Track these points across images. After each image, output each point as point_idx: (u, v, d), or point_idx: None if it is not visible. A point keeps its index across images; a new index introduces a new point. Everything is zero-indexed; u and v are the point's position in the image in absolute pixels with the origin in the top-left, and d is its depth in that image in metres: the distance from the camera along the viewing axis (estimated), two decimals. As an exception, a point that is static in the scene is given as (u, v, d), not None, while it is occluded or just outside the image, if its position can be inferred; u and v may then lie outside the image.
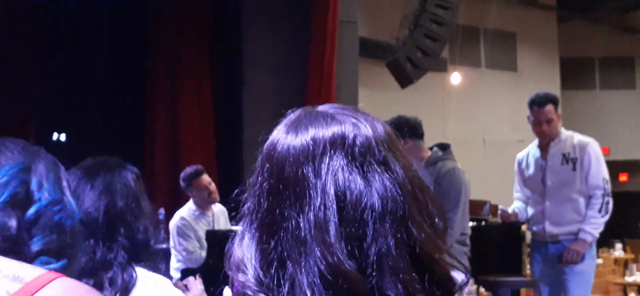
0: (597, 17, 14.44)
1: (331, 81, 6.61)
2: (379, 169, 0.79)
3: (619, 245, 10.51)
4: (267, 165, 0.83)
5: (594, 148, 3.87)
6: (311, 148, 0.80)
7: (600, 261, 8.37)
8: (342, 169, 0.78)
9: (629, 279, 7.34)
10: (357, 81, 7.28)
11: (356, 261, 0.74)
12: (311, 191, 0.77)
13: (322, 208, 0.76)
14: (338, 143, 0.79)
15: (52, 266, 0.82)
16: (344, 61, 6.92)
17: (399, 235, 0.76)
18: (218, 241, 4.22)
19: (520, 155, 4.16)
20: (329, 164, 0.78)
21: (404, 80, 7.16)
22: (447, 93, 12.50)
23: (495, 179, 12.12)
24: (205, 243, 4.43)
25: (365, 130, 0.81)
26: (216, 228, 4.55)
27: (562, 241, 3.85)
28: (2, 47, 6.38)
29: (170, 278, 4.57)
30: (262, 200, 0.81)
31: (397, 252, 0.75)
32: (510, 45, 13.45)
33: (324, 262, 0.73)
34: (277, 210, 0.79)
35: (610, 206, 3.78)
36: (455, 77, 12.47)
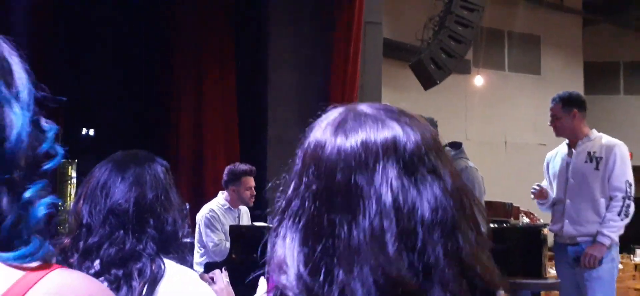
0: (623, 22, 14.27)
1: (355, 81, 6.66)
2: (429, 177, 0.77)
3: (639, 251, 10.40)
4: (313, 167, 0.80)
5: (621, 149, 3.82)
6: (363, 154, 0.78)
7: (620, 266, 8.30)
8: (396, 177, 0.76)
9: (650, 286, 7.27)
10: (380, 82, 7.31)
11: (413, 272, 0.74)
12: (366, 200, 0.76)
13: (378, 217, 0.75)
14: (390, 150, 0.78)
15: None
16: (368, 62, 6.96)
17: (448, 245, 0.76)
18: (241, 236, 4.29)
19: (550, 154, 4.14)
20: (382, 172, 0.77)
21: (428, 81, 7.18)
22: (470, 95, 12.47)
23: (516, 181, 12.06)
24: (229, 238, 4.51)
25: (415, 135, 0.80)
26: (240, 222, 4.65)
27: (580, 243, 3.81)
28: (30, 42, 6.51)
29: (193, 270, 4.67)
30: (307, 202, 0.79)
31: (445, 262, 0.75)
32: (535, 49, 13.37)
33: (381, 272, 0.73)
34: (326, 215, 0.77)
35: (631, 209, 3.73)
36: (479, 79, 12.43)
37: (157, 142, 7.40)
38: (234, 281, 4.11)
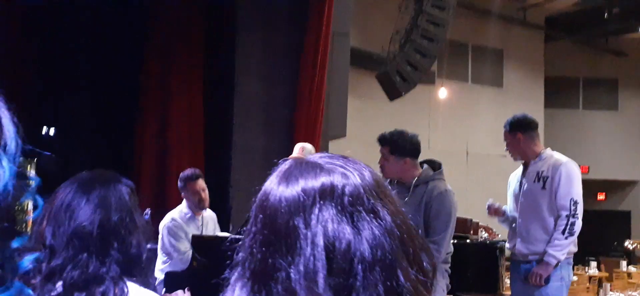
0: (583, 39, 14.67)
1: (322, 91, 6.70)
2: (368, 218, 0.80)
3: (593, 263, 10.67)
4: (260, 216, 0.84)
5: (568, 168, 3.84)
6: (302, 198, 0.81)
7: (575, 278, 8.51)
8: (332, 219, 0.79)
9: (602, 299, 7.48)
10: (347, 92, 7.38)
11: None
12: (301, 242, 0.79)
13: (312, 258, 0.78)
14: (327, 193, 0.81)
15: None
16: (335, 72, 7.02)
17: (388, 283, 0.78)
18: (202, 245, 4.28)
19: (513, 174, 4.21)
20: (318, 214, 0.80)
21: (393, 92, 7.28)
22: (433, 105, 12.66)
23: (477, 190, 12.30)
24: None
25: (354, 179, 0.82)
26: (204, 232, 4.62)
27: (531, 261, 3.89)
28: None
29: (154, 278, 4.63)
30: (254, 250, 0.82)
31: None
32: (497, 62, 13.65)
33: None
34: (269, 260, 0.80)
35: (576, 227, 3.77)
36: (443, 91, 12.62)
37: (122, 146, 7.33)
38: (195, 289, 4.11)
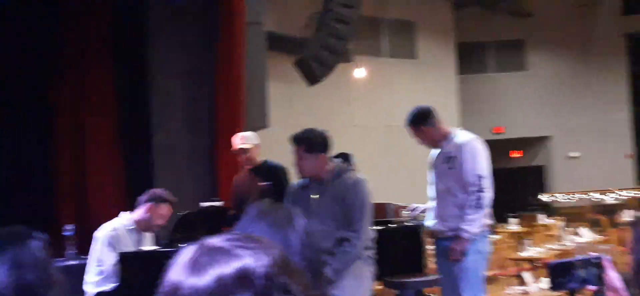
0: (489, 3, 15.20)
1: (240, 84, 6.67)
2: None
3: (513, 220, 11.15)
4: None
5: (471, 145, 4.03)
6: (216, 290, 0.79)
7: (497, 236, 8.90)
8: None
9: (523, 254, 7.85)
10: (265, 80, 7.38)
11: None
12: None
13: None
14: (242, 280, 0.80)
15: None
16: (252, 62, 6.99)
17: None
18: (131, 262, 4.19)
19: (430, 155, 4.37)
20: None
21: (312, 78, 7.34)
22: (353, 82, 12.85)
23: (398, 162, 12.67)
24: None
25: (264, 260, 0.82)
26: (142, 247, 4.52)
27: (449, 237, 4.07)
28: None
29: (83, 292, 4.51)
30: None
31: None
32: (410, 34, 13.96)
33: None
34: None
35: (485, 200, 3.95)
36: (360, 67, 12.82)
37: (34, 157, 7.07)
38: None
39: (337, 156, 3.84)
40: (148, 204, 4.35)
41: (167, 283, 0.83)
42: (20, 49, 6.94)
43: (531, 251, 7.95)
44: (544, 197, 14.81)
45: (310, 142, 3.69)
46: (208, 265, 0.81)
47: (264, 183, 4.83)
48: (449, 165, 4.06)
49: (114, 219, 4.47)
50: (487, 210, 4.02)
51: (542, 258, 7.63)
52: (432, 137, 4.15)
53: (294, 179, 4.20)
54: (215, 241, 0.85)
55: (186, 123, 6.81)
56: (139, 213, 4.41)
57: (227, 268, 0.80)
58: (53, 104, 7.11)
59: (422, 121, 4.13)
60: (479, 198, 3.94)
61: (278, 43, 9.97)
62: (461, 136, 4.13)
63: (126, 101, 7.20)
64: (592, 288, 1.78)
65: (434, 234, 4.24)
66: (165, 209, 4.38)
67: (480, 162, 4.01)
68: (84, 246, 4.78)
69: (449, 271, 4.11)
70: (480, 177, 3.96)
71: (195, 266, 0.82)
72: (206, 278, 0.80)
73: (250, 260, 0.81)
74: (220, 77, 6.74)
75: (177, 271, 0.83)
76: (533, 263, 7.74)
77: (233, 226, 1.87)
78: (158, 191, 4.48)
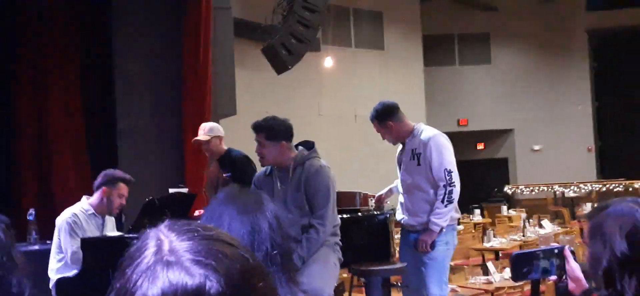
0: (456, -4, 15.34)
1: (207, 68, 6.60)
2: None
3: (477, 211, 11.35)
4: None
5: (436, 141, 4.07)
6: None
7: (461, 227, 9.02)
8: None
9: (486, 245, 7.98)
10: (233, 66, 7.32)
11: None
12: None
13: None
14: None
15: None
16: (219, 47, 6.93)
17: None
18: (94, 248, 4.12)
19: (397, 151, 4.41)
20: None
21: (280, 66, 7.30)
22: (321, 71, 12.84)
23: (366, 151, 12.72)
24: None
25: (219, 281, 0.77)
26: (104, 232, 4.45)
27: (419, 231, 4.13)
28: None
29: (48, 279, 4.43)
30: None
31: None
32: (378, 25, 14.00)
33: None
34: None
35: (454, 195, 4.02)
36: (328, 57, 12.82)
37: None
38: (87, 293, 3.98)
39: (299, 144, 3.82)
40: (103, 188, 4.31)
41: (118, 285, 0.80)
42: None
43: (494, 242, 8.07)
44: (507, 189, 15.05)
45: (271, 130, 3.68)
46: (159, 279, 0.77)
47: (226, 173, 4.80)
48: (416, 161, 4.10)
49: (74, 205, 4.41)
50: (455, 203, 4.09)
51: (505, 248, 7.78)
52: (398, 132, 4.18)
53: (259, 168, 4.18)
54: (176, 247, 0.80)
55: (152, 108, 6.72)
56: (95, 197, 4.36)
57: (178, 286, 0.76)
58: (16, 86, 6.94)
59: (388, 116, 4.15)
60: (450, 193, 4.01)
61: (244, 29, 9.89)
62: (426, 131, 4.17)
63: (91, 85, 7.07)
64: (554, 278, 1.81)
65: (402, 226, 4.29)
66: (121, 189, 4.34)
67: (447, 156, 4.07)
68: (47, 231, 4.70)
69: (414, 261, 4.17)
70: (448, 171, 4.02)
71: (147, 277, 0.78)
72: (155, 291, 0.76)
73: (204, 280, 0.76)
74: (187, 62, 6.66)
75: (129, 278, 0.79)
76: (497, 254, 7.88)
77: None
78: (110, 172, 4.43)
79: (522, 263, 1.80)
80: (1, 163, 6.89)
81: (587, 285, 1.75)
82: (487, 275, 5.80)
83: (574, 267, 1.75)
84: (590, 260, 1.64)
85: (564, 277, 1.77)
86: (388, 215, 4.84)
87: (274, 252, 1.45)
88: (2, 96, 6.89)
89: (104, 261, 3.70)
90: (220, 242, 0.83)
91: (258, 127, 3.72)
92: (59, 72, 6.92)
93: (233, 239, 0.85)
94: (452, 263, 4.79)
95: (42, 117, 6.87)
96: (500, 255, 7.89)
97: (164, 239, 0.82)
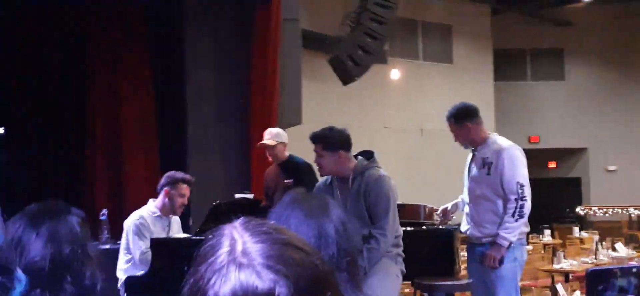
0: (529, 10, 14.97)
1: (275, 79, 6.68)
2: None
3: (547, 231, 10.99)
4: None
5: (510, 153, 3.94)
6: None
7: (530, 247, 8.76)
8: None
9: (556, 266, 7.71)
10: (300, 78, 7.37)
11: None
12: None
13: None
14: None
15: None
16: (287, 58, 6.99)
17: None
18: (162, 249, 4.22)
19: (467, 158, 4.28)
20: None
21: (346, 77, 7.30)
22: (387, 84, 12.77)
23: (432, 165, 12.56)
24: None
25: (289, 288, 0.78)
26: (170, 234, 4.56)
27: (484, 244, 4.00)
28: None
29: (116, 278, 4.57)
30: None
31: None
32: (447, 38, 13.82)
33: None
34: None
35: (525, 209, 3.88)
36: (395, 69, 12.74)
37: (72, 145, 7.18)
38: (156, 292, 4.06)
39: (359, 154, 3.79)
40: (165, 189, 4.42)
41: (191, 281, 0.81)
42: (53, 41, 7.05)
43: (565, 264, 7.79)
44: (579, 210, 14.51)
45: (328, 140, 3.67)
46: (231, 279, 0.78)
47: (287, 180, 4.83)
48: (487, 170, 3.97)
49: (142, 208, 4.54)
50: (526, 218, 3.95)
51: (576, 270, 7.48)
52: (473, 136, 4.05)
53: (319, 176, 4.17)
54: (249, 248, 0.81)
55: (220, 115, 6.84)
56: (159, 199, 4.49)
57: (248, 289, 0.77)
58: (90, 93, 7.22)
59: (467, 117, 4.03)
60: (521, 207, 3.87)
61: (312, 41, 9.96)
62: (500, 141, 4.03)
63: (162, 93, 7.28)
64: (631, 298, 1.72)
65: (468, 239, 4.16)
66: (183, 189, 4.45)
67: (520, 169, 3.93)
68: (118, 232, 4.86)
69: (482, 278, 4.03)
70: (520, 185, 3.88)
71: (222, 274, 0.79)
72: (226, 290, 0.77)
73: (273, 285, 0.77)
74: (255, 71, 6.76)
75: (203, 275, 0.80)
76: (567, 276, 7.59)
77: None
78: (171, 173, 4.54)
79: (598, 281, 1.72)
80: (76, 166, 7.17)
81: None
82: (557, 296, 5.59)
83: (653, 287, 1.66)
84: None
85: (642, 297, 1.67)
86: (454, 229, 4.73)
87: (340, 258, 1.43)
88: (77, 102, 7.18)
89: (172, 261, 3.78)
90: (292, 247, 0.83)
91: (315, 138, 3.71)
92: (131, 81, 7.16)
93: (305, 244, 0.85)
94: (520, 284, 4.64)
95: (115, 123, 7.12)
96: (571, 277, 7.59)
97: (238, 239, 0.83)
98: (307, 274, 0.80)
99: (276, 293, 0.76)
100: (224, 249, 0.81)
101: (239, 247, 0.81)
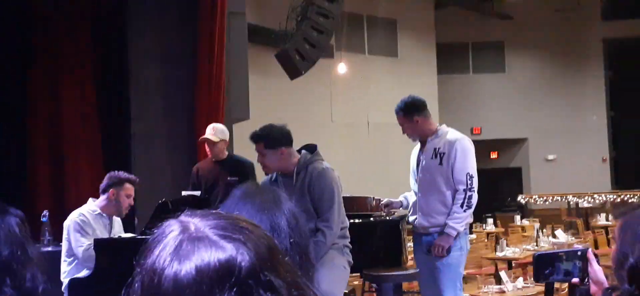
0: (471, 4, 15.29)
1: (221, 73, 6.60)
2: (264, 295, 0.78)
3: (490, 220, 11.27)
4: None
5: (462, 144, 4.02)
6: (196, 280, 0.76)
7: (473, 236, 8.96)
8: None
9: (499, 254, 7.91)
10: (247, 72, 7.32)
11: None
12: None
13: None
14: (225, 276, 0.77)
15: None
16: (234, 52, 6.93)
17: None
18: (107, 249, 4.13)
19: (413, 150, 4.34)
20: None
21: (293, 72, 7.30)
22: (333, 78, 12.84)
23: (378, 157, 12.71)
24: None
25: (249, 254, 0.78)
26: (112, 233, 4.47)
27: (431, 233, 4.08)
28: None
29: (60, 282, 4.44)
30: None
31: None
32: (392, 32, 13.99)
33: None
34: None
35: (473, 200, 3.98)
36: (342, 63, 12.82)
37: (12, 146, 6.94)
38: (100, 294, 3.97)
39: (302, 148, 3.80)
40: (111, 190, 4.34)
41: (146, 266, 0.80)
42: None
43: (507, 251, 8.00)
44: (521, 198, 14.94)
45: (268, 138, 3.66)
46: (191, 254, 0.78)
47: (231, 178, 4.80)
48: (438, 160, 4.03)
49: (81, 207, 4.44)
50: (472, 209, 4.04)
51: (518, 258, 7.70)
52: (422, 129, 4.11)
53: (261, 175, 4.17)
54: (201, 226, 0.81)
55: (165, 111, 6.73)
56: (102, 199, 4.40)
57: (210, 259, 0.77)
58: (30, 90, 6.99)
59: (415, 111, 4.09)
60: (469, 198, 3.96)
61: (258, 35, 9.91)
62: (452, 133, 4.11)
63: (105, 89, 7.11)
64: (576, 280, 1.78)
65: (415, 229, 4.23)
66: (128, 190, 4.37)
67: (470, 161, 4.02)
68: (60, 233, 4.72)
69: (429, 266, 4.10)
70: (470, 176, 3.97)
71: (178, 254, 0.78)
72: (187, 267, 0.77)
73: (235, 253, 0.78)
74: (201, 66, 6.67)
75: (160, 256, 0.79)
76: (510, 263, 7.80)
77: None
78: (114, 174, 4.46)
79: (545, 264, 1.77)
80: (16, 165, 6.93)
81: None
82: (500, 284, 5.74)
83: (596, 270, 1.73)
84: (616, 256, 1.62)
85: (586, 280, 1.74)
86: (400, 220, 4.79)
87: (294, 252, 1.43)
88: (16, 100, 6.94)
89: (116, 262, 3.71)
90: (243, 221, 0.84)
91: (256, 137, 3.69)
92: (73, 77, 6.97)
93: (254, 223, 0.86)
94: (464, 272, 4.74)
95: (56, 120, 6.92)
96: (513, 264, 7.81)
97: (189, 220, 0.83)
98: (262, 243, 0.81)
99: (238, 260, 0.77)
100: (175, 232, 0.81)
101: (192, 227, 0.81)
